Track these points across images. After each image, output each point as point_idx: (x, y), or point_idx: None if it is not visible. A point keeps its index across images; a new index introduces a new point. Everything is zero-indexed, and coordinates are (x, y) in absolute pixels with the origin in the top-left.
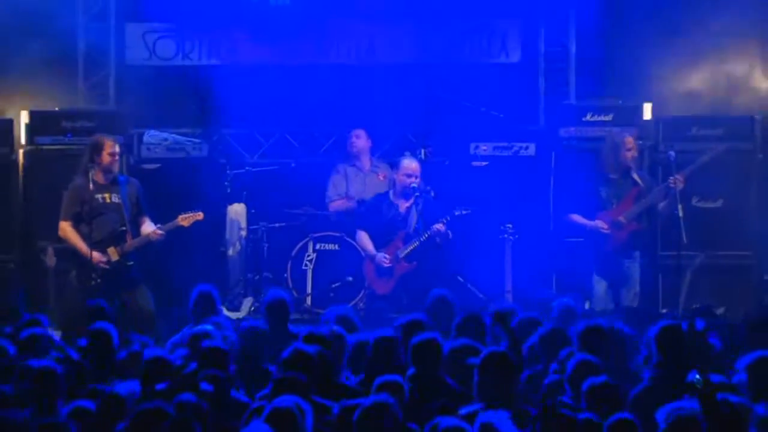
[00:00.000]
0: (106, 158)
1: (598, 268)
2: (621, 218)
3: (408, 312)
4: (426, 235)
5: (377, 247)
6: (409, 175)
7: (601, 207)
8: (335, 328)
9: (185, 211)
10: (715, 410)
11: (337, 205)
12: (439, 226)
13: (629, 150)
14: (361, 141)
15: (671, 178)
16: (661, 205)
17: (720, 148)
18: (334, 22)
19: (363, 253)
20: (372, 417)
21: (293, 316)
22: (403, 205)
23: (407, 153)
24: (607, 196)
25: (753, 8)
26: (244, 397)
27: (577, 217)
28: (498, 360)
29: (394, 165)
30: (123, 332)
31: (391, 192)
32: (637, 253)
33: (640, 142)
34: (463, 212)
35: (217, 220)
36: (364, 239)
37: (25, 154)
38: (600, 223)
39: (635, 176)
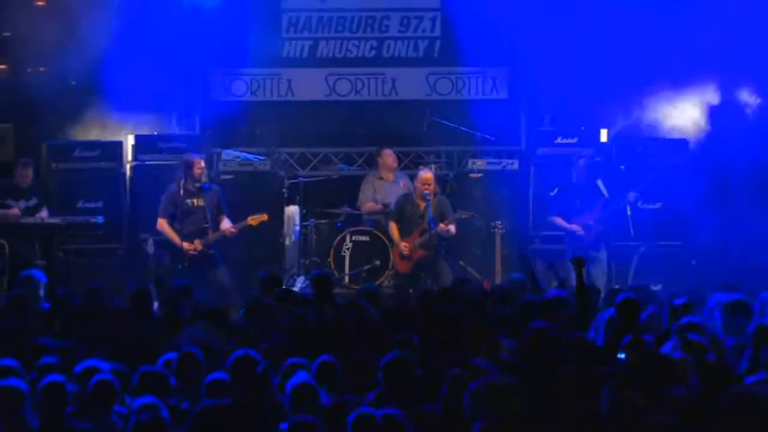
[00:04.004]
0: (196, 171)
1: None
2: (591, 222)
3: (422, 287)
4: (434, 232)
5: (403, 236)
6: (424, 183)
7: (575, 213)
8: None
9: (254, 213)
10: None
11: (366, 207)
12: (443, 226)
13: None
14: (391, 158)
15: (630, 192)
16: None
17: (661, 170)
18: (365, 69)
19: (391, 240)
20: (391, 366)
21: (335, 290)
22: (422, 205)
23: (422, 167)
24: (580, 204)
25: (682, 57)
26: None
27: (558, 220)
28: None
29: (414, 175)
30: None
31: (414, 194)
32: (602, 245)
33: (598, 159)
34: (463, 216)
35: (276, 218)
36: (394, 229)
37: (131, 168)
38: (575, 226)
39: (602, 188)
